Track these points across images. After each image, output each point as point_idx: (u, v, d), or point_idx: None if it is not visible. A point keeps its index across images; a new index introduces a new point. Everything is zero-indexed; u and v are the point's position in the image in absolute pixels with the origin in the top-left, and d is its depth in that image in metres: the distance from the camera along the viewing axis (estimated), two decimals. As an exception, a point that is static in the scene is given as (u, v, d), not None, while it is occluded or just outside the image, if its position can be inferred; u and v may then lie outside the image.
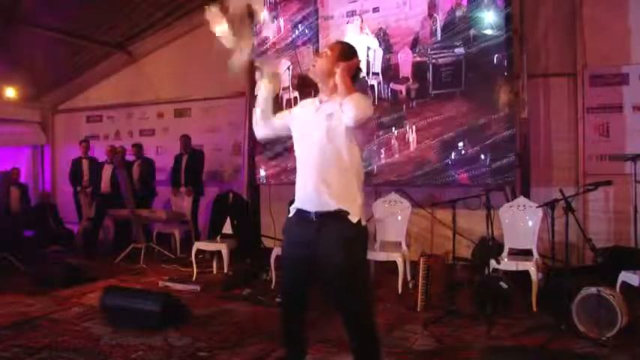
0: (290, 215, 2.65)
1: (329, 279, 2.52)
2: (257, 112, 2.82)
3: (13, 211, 7.97)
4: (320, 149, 2.51)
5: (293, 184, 2.65)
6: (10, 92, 9.10)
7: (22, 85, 9.13)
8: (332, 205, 2.47)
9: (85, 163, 8.60)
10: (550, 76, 6.28)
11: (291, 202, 2.65)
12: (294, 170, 2.65)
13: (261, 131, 2.86)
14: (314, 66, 2.66)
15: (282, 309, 2.72)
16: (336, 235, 2.46)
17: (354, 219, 2.48)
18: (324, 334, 3.90)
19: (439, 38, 6.10)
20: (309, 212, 2.51)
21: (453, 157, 6.00)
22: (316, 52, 2.79)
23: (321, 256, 2.48)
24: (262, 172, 7.03)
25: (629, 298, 3.91)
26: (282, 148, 6.67)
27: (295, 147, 2.68)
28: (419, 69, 6.20)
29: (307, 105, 2.73)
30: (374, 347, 2.55)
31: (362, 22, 6.50)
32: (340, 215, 2.47)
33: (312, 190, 2.50)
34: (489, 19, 5.83)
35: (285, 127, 2.76)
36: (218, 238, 6.40)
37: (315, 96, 2.74)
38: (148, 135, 9.21)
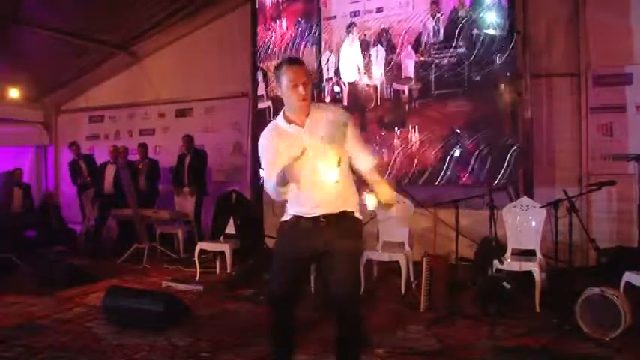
0: (288, 219, 2.80)
1: (340, 271, 2.71)
2: (283, 190, 2.71)
3: (16, 212, 7.98)
4: (321, 163, 2.64)
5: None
6: (14, 93, 9.11)
7: (25, 86, 9.15)
8: (340, 207, 2.71)
9: (82, 165, 8.61)
10: (553, 76, 6.27)
11: None
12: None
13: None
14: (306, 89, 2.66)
15: (279, 308, 2.84)
16: (349, 231, 2.74)
17: (358, 215, 2.79)
18: (324, 334, 3.91)
19: (442, 38, 6.10)
20: (317, 216, 2.69)
21: (455, 157, 6.00)
22: (307, 76, 2.69)
23: (334, 251, 2.70)
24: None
25: (633, 298, 3.90)
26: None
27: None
28: (421, 69, 6.20)
29: (286, 135, 2.70)
30: (362, 340, 2.89)
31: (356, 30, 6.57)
32: (349, 214, 2.75)
33: (321, 198, 2.68)
34: (492, 19, 5.83)
35: None
36: (221, 238, 6.40)
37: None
38: (148, 135, 9.21)
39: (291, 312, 2.83)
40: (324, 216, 2.69)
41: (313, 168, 2.63)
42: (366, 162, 2.79)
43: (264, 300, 5.03)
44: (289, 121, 2.71)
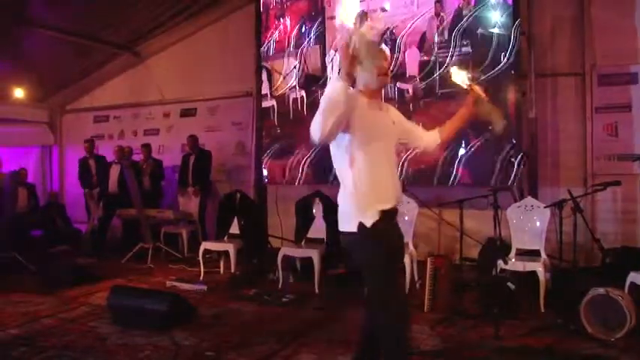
0: (376, 219, 2.49)
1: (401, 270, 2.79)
2: (333, 123, 2.32)
3: (21, 211, 8.01)
4: (392, 150, 2.70)
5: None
6: (19, 93, 9.15)
7: (30, 86, 9.18)
8: (401, 199, 2.77)
9: (92, 163, 8.63)
10: (558, 75, 6.24)
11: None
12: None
13: (333, 137, 2.46)
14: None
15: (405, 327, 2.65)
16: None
17: None
18: (330, 334, 3.91)
19: (446, 37, 6.08)
20: (394, 208, 2.62)
21: (460, 156, 5.98)
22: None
23: (400, 245, 2.78)
24: (268, 172, 7.04)
25: (638, 299, 3.88)
26: (288, 148, 6.66)
27: (363, 147, 2.52)
28: (426, 68, 6.18)
29: (367, 105, 2.58)
30: None
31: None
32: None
33: (394, 188, 2.66)
34: (497, 18, 5.80)
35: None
36: (225, 238, 6.41)
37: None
38: (152, 134, 9.22)
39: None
40: (396, 209, 2.64)
41: (388, 155, 2.64)
42: (433, 135, 2.95)
43: (269, 300, 5.04)
44: (368, 96, 2.63)
